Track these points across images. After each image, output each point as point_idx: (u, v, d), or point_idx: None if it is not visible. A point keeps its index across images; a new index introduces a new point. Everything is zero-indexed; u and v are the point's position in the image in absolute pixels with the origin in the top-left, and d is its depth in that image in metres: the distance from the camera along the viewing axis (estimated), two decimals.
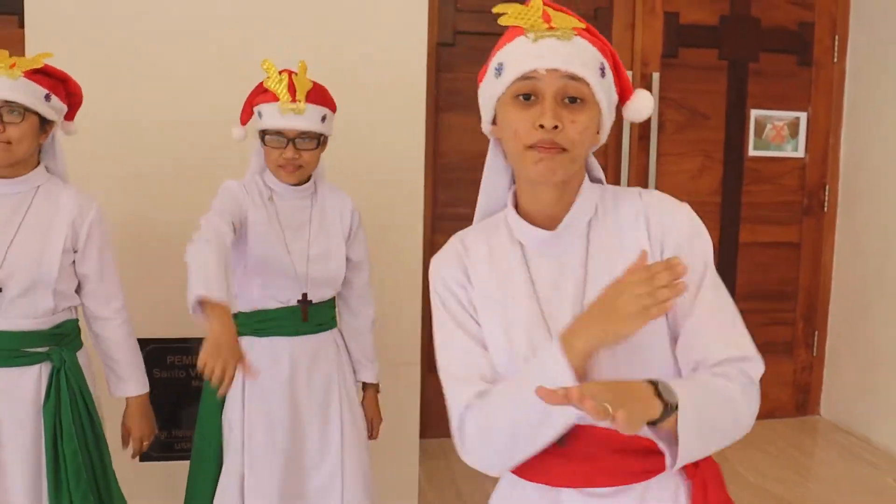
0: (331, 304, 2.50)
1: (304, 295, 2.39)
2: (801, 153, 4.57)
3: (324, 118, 2.32)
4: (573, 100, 1.33)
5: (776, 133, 4.51)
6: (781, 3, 4.46)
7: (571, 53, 1.33)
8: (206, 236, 2.11)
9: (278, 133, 2.29)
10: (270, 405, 2.38)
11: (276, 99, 2.28)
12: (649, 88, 4.23)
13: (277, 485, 2.38)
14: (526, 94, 1.33)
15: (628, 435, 1.16)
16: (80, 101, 2.32)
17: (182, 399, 3.15)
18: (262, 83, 2.35)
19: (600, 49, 1.37)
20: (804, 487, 3.87)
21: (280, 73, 2.30)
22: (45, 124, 2.20)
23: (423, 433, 3.55)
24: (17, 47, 3.80)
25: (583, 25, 1.37)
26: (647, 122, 4.24)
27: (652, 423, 1.19)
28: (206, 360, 1.88)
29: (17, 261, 2.13)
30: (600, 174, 1.49)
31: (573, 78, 1.32)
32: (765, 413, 4.29)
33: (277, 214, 2.38)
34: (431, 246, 3.97)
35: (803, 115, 4.54)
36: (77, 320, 2.31)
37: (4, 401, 2.15)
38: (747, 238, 4.55)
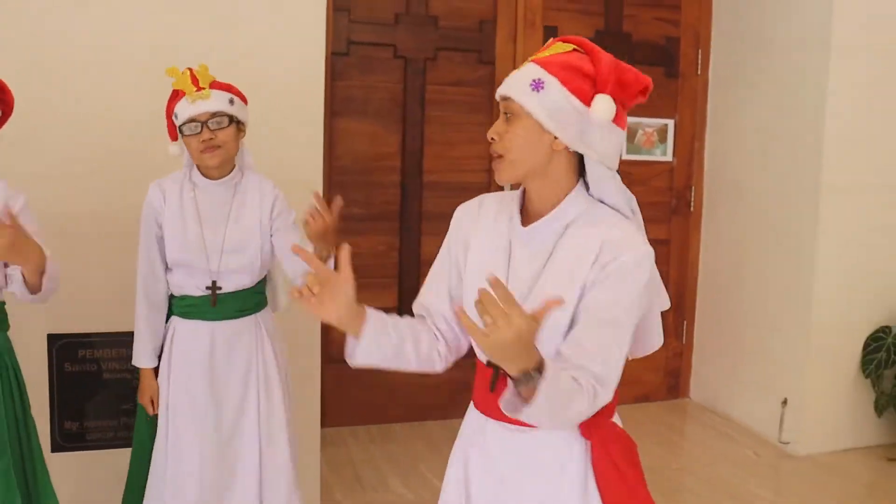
0: (255, 289, 2.65)
1: (214, 283, 2.56)
2: (669, 157, 4.95)
3: (231, 101, 2.50)
4: (507, 116, 1.62)
5: (647, 138, 4.88)
6: (650, 19, 4.83)
7: (509, 79, 1.63)
8: (140, 303, 2.60)
9: (192, 121, 2.46)
10: (191, 383, 2.56)
11: (184, 94, 2.46)
12: None
13: (198, 459, 2.56)
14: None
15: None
16: (11, 108, 2.43)
17: (92, 391, 3.25)
18: (172, 93, 2.52)
19: (545, 66, 1.59)
20: (670, 459, 4.24)
21: (182, 71, 2.49)
22: None
23: (323, 422, 3.73)
24: None
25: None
26: None
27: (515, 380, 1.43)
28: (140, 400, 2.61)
29: None
30: (610, 198, 1.66)
31: (504, 99, 1.61)
32: (639, 397, 4.69)
33: (197, 208, 2.55)
34: None
35: (671, 122, 4.92)
36: (4, 303, 2.43)
37: None
38: None
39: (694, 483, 3.95)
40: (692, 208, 5.03)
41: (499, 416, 1.62)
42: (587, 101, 1.59)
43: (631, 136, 4.83)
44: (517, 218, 1.69)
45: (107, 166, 3.14)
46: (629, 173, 4.84)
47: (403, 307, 4.51)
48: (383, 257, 4.48)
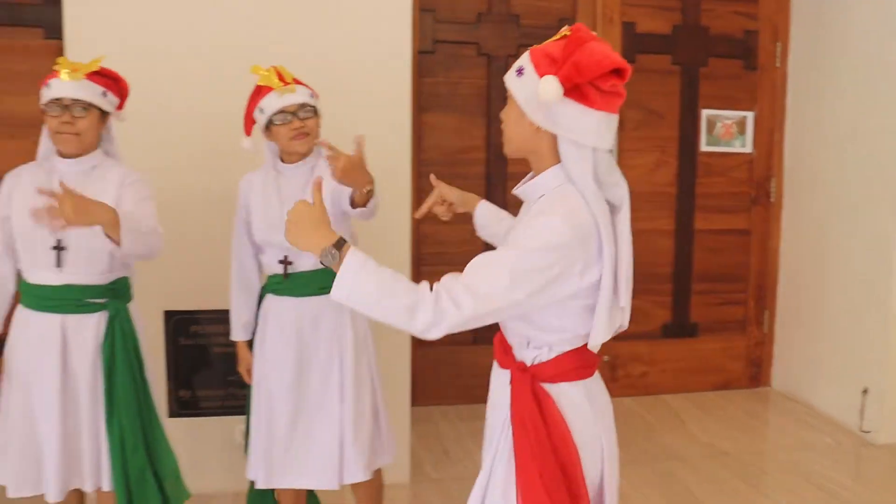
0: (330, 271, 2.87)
1: (286, 257, 2.79)
2: (748, 149, 5.03)
3: (311, 95, 2.76)
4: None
5: (725, 130, 4.97)
6: (728, 13, 4.92)
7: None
8: (232, 282, 2.92)
9: (282, 112, 2.71)
10: (281, 356, 2.79)
11: (271, 90, 2.71)
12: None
13: (285, 429, 2.79)
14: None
15: None
16: (127, 93, 2.74)
17: (202, 363, 3.53)
18: (254, 89, 2.77)
19: (531, 54, 1.78)
20: (750, 445, 4.33)
21: (267, 69, 2.74)
22: (103, 115, 2.64)
23: (414, 401, 3.94)
24: (43, 56, 4.22)
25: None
26: None
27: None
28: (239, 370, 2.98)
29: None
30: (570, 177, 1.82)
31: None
32: (720, 384, 4.79)
33: (279, 192, 2.78)
34: (417, 233, 4.38)
35: (750, 115, 5.00)
36: (129, 278, 2.72)
37: (75, 340, 2.58)
38: (701, 226, 5.00)
39: (774, 468, 4.03)
40: (772, 199, 5.09)
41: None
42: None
43: (710, 127, 4.93)
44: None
45: (211, 159, 3.41)
46: (708, 164, 4.95)
47: None
48: (468, 244, 4.66)
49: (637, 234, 5.16)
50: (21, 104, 4.25)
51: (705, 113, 4.93)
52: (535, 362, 1.87)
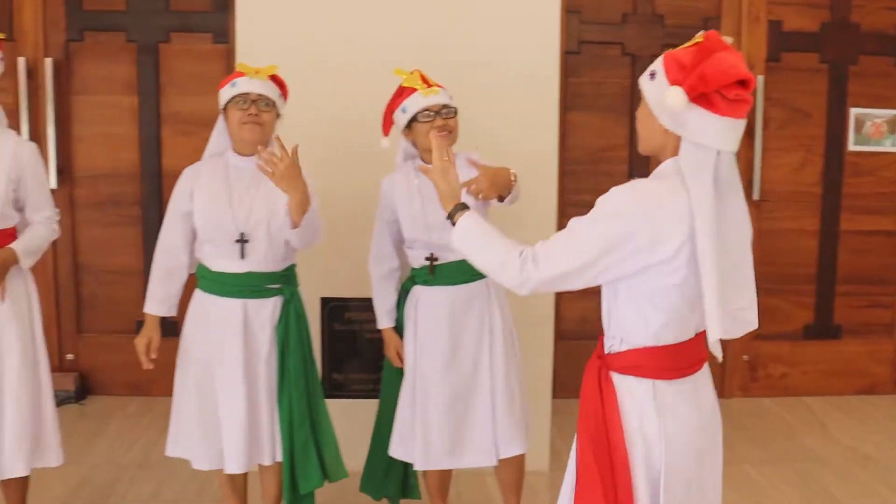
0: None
1: (431, 254, 2.98)
2: None
3: (451, 98, 2.94)
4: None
5: (875, 129, 4.88)
6: (879, 8, 4.81)
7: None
8: (372, 274, 3.15)
9: (427, 110, 2.88)
10: (433, 342, 2.97)
11: (413, 91, 2.89)
12: (754, 90, 4.66)
13: (442, 410, 2.96)
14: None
15: None
16: (286, 97, 2.97)
17: (355, 348, 3.74)
18: (397, 90, 2.96)
19: (664, 59, 1.87)
20: (894, 450, 4.25)
21: (411, 72, 2.93)
22: (278, 117, 2.89)
23: (554, 393, 4.05)
24: (211, 60, 4.55)
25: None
26: (752, 119, 4.66)
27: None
28: (386, 353, 3.17)
29: (257, 220, 2.79)
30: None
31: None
32: (864, 389, 4.71)
33: (421, 191, 2.95)
34: (555, 228, 4.48)
35: None
36: (295, 265, 2.95)
37: (255, 322, 2.84)
38: (848, 226, 4.91)
39: None
40: None
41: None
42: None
43: (858, 126, 4.85)
44: None
45: (364, 156, 3.59)
46: (856, 163, 4.87)
47: None
48: None
49: (779, 234, 5.18)
50: (191, 104, 4.61)
51: (854, 112, 4.84)
52: (609, 352, 1.98)
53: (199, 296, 2.95)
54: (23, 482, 3.00)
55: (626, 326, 1.94)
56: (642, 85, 1.91)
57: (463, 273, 2.93)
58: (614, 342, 1.97)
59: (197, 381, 2.91)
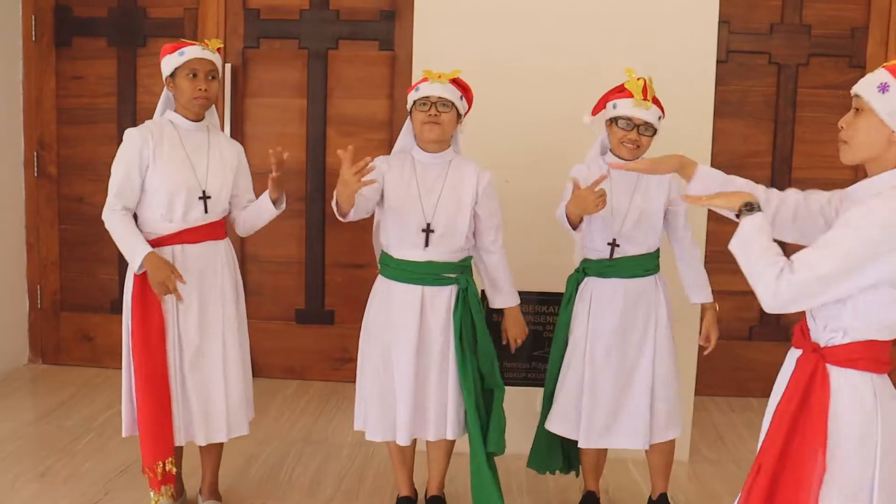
0: (650, 256, 3.24)
1: (614, 240, 3.18)
2: None
3: (659, 118, 3.13)
4: (857, 110, 2.06)
5: None
6: None
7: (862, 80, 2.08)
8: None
9: (628, 119, 3.09)
10: (603, 330, 3.20)
11: (630, 96, 3.08)
12: None
13: (609, 390, 3.20)
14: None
15: None
16: (472, 101, 3.23)
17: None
18: (619, 86, 3.14)
19: (892, 72, 2.01)
20: None
21: (637, 79, 3.11)
22: (458, 116, 3.15)
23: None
24: (377, 65, 4.86)
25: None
26: None
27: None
28: None
29: (442, 212, 3.07)
30: None
31: (856, 96, 2.06)
32: None
33: (611, 185, 3.14)
34: (706, 231, 4.60)
35: None
36: (472, 257, 3.22)
37: (430, 307, 3.12)
38: None
39: None
40: None
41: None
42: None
43: None
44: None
45: (543, 152, 3.84)
46: None
47: None
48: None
49: None
50: (354, 106, 4.94)
51: None
52: (829, 344, 2.05)
53: (381, 282, 3.22)
54: (220, 448, 3.33)
55: (853, 320, 2.01)
56: (868, 96, 2.02)
57: (640, 266, 3.20)
58: (836, 335, 2.05)
59: (377, 359, 3.18)
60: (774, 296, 1.95)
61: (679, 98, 3.81)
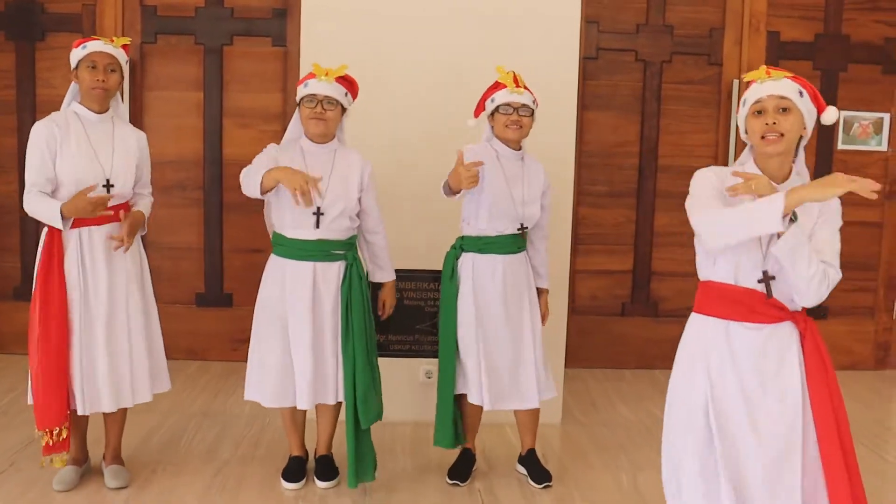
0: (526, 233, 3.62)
1: (522, 225, 3.55)
2: (884, 147, 5.44)
3: (533, 101, 3.50)
4: (784, 109, 2.39)
5: (862, 130, 5.40)
6: (868, 21, 5.33)
7: (781, 86, 2.40)
8: None
9: (508, 105, 3.46)
10: (488, 300, 3.54)
11: (505, 87, 3.45)
12: None
13: (499, 344, 3.54)
14: (758, 111, 2.41)
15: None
16: (357, 95, 3.52)
17: (395, 312, 4.07)
18: (493, 83, 3.50)
19: (801, 84, 2.41)
20: (873, 416, 4.77)
21: (507, 71, 3.49)
22: (343, 111, 3.44)
23: (567, 363, 4.61)
24: (270, 61, 5.11)
25: (791, 75, 2.43)
26: None
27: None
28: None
29: (331, 196, 3.37)
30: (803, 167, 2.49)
31: (782, 98, 2.39)
32: (846, 365, 5.25)
33: (503, 170, 3.51)
34: (576, 216, 5.01)
35: (887, 116, 5.40)
36: (357, 235, 3.53)
37: (322, 281, 3.40)
38: None
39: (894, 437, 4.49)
40: None
41: (742, 318, 2.43)
42: (819, 108, 2.42)
43: (847, 128, 5.37)
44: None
45: (419, 148, 4.17)
46: (844, 161, 5.39)
47: (637, 269, 5.35)
48: (622, 228, 5.34)
49: None
50: (250, 100, 5.19)
51: (843, 114, 5.36)
52: (797, 310, 2.43)
53: (274, 260, 3.49)
54: (123, 416, 3.57)
55: None
56: (794, 99, 2.37)
57: (511, 244, 3.55)
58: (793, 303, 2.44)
59: (272, 332, 3.45)
60: (824, 295, 2.34)
61: (547, 93, 4.18)
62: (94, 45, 3.33)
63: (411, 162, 4.17)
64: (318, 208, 3.36)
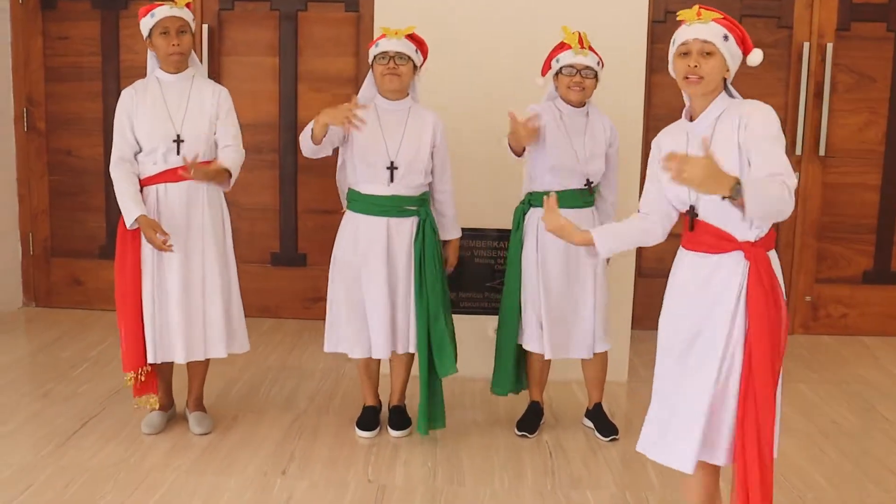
0: (596, 188, 3.71)
1: (588, 180, 3.64)
2: None
3: (598, 63, 3.57)
4: (708, 53, 2.45)
5: None
6: None
7: (707, 30, 2.45)
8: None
9: (571, 66, 3.53)
10: (551, 254, 3.63)
11: (569, 48, 3.52)
12: (823, 57, 5.16)
13: (561, 296, 3.66)
14: (684, 52, 2.48)
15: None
16: (427, 54, 3.62)
17: (468, 271, 4.38)
18: (559, 43, 3.57)
19: (727, 28, 2.46)
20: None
21: (573, 31, 3.55)
22: (414, 68, 3.56)
23: (633, 325, 4.69)
24: (343, 25, 5.24)
25: (720, 16, 2.47)
26: (821, 83, 5.16)
27: (731, 199, 2.23)
28: None
29: (404, 152, 3.50)
30: (737, 94, 2.55)
31: (706, 42, 2.45)
32: None
33: (565, 127, 3.60)
34: (643, 178, 5.04)
35: None
36: (429, 192, 3.65)
37: (396, 235, 3.54)
38: None
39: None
40: None
41: (694, 248, 2.50)
42: (745, 51, 2.49)
43: None
44: (685, 121, 2.58)
45: (488, 105, 4.25)
46: None
47: None
48: None
49: (843, 188, 5.72)
50: (323, 64, 5.33)
51: None
52: (761, 237, 2.43)
53: (348, 216, 3.63)
54: (205, 367, 3.76)
55: None
56: (718, 43, 2.41)
57: (577, 199, 3.63)
58: (763, 227, 2.45)
59: (347, 286, 3.60)
60: (792, 200, 2.33)
61: (615, 56, 4.23)
62: (162, 11, 3.45)
63: (482, 121, 4.26)
64: (392, 163, 3.49)
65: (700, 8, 2.51)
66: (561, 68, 3.56)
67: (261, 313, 5.46)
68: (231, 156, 3.57)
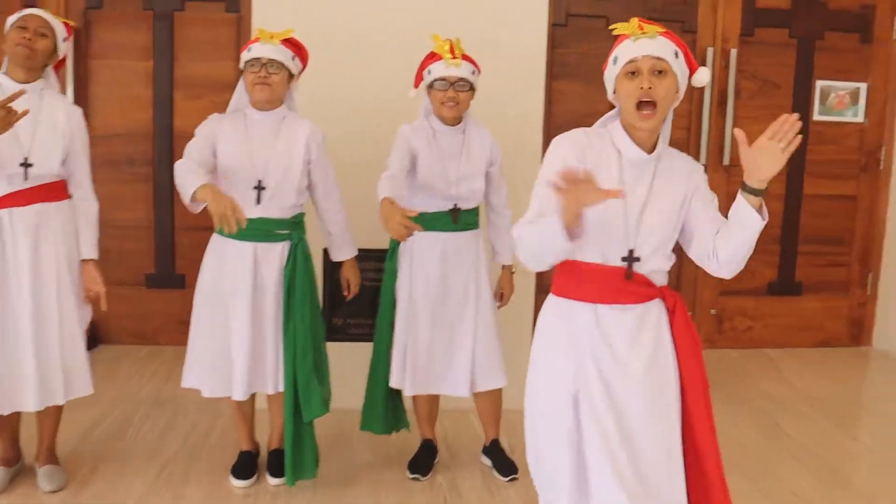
0: (472, 211, 3.39)
1: (455, 205, 3.32)
2: (860, 118, 5.28)
3: (473, 72, 3.26)
4: (661, 72, 2.15)
5: (839, 101, 5.23)
6: None
7: (656, 46, 2.16)
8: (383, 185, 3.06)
9: (443, 80, 3.22)
10: (424, 278, 3.33)
11: (441, 58, 3.22)
12: (727, 63, 5.01)
13: (429, 326, 3.34)
14: (632, 71, 2.17)
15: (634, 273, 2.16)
16: (307, 61, 3.29)
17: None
18: (429, 53, 3.27)
19: (676, 43, 2.20)
20: (844, 394, 4.66)
21: (444, 39, 3.24)
22: (290, 76, 3.21)
23: None
24: (223, 27, 4.85)
25: (663, 30, 2.20)
26: (725, 90, 5.01)
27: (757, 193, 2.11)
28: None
29: (273, 170, 3.14)
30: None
31: (659, 59, 2.15)
32: (822, 342, 5.13)
33: (438, 148, 3.30)
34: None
35: (863, 86, 5.25)
36: (304, 214, 3.29)
37: (264, 262, 3.19)
38: (810, 190, 5.30)
39: (867, 415, 4.38)
40: (881, 167, 5.34)
41: (614, 301, 2.20)
42: (691, 70, 2.21)
43: (823, 98, 5.20)
44: (627, 144, 2.21)
45: (376, 114, 3.94)
46: (820, 132, 5.24)
47: None
48: None
49: None
50: (201, 69, 4.92)
51: (819, 84, 5.20)
52: (665, 285, 2.25)
53: (215, 239, 3.27)
54: (58, 415, 3.33)
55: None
56: (671, 61, 2.16)
57: (462, 220, 3.35)
58: (668, 276, 2.32)
59: (211, 316, 3.24)
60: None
61: (514, 62, 3.99)
62: (27, 11, 3.13)
63: (369, 134, 3.94)
64: (259, 182, 3.14)
65: (640, 21, 2.19)
66: (433, 81, 3.26)
67: (136, 340, 5.05)
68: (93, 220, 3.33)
